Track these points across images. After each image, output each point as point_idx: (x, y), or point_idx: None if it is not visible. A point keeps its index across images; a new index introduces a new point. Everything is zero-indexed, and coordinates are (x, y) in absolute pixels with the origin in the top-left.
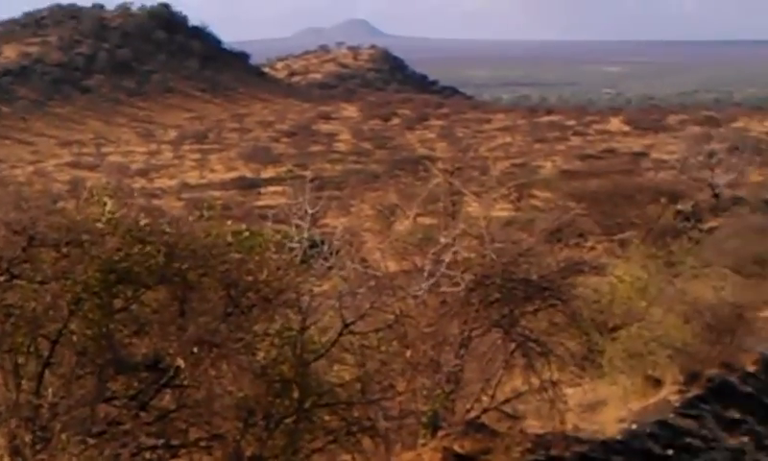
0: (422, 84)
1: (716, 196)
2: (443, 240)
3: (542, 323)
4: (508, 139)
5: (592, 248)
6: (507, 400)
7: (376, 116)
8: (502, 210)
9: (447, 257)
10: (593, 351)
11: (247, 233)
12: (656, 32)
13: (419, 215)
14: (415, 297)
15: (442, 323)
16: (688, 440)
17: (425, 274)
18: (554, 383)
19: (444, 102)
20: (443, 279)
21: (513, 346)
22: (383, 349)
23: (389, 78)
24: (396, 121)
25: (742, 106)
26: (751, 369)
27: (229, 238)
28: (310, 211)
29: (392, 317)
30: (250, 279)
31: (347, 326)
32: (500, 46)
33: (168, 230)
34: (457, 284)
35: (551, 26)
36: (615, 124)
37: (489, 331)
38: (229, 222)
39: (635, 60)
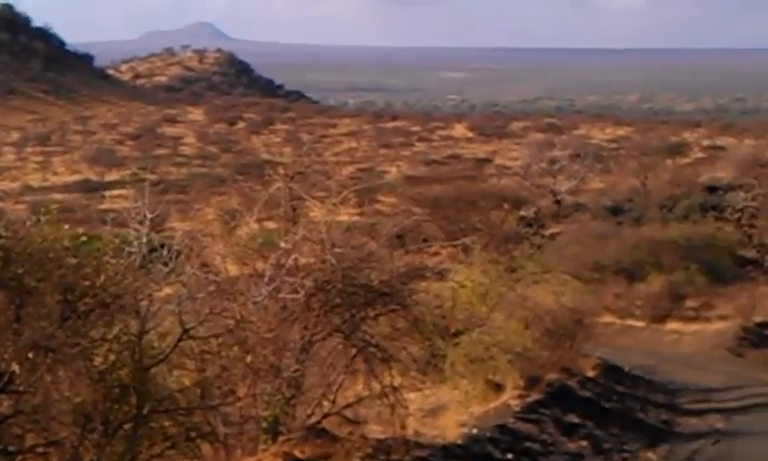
0: (269, 88)
1: (558, 202)
2: (283, 245)
3: (385, 328)
4: (353, 144)
5: (436, 253)
6: (348, 405)
7: (222, 120)
8: (346, 215)
9: (288, 262)
10: (435, 356)
11: (84, 238)
12: (498, 39)
13: (262, 220)
14: (255, 302)
15: (282, 328)
16: (528, 444)
17: (266, 279)
18: (395, 388)
19: (289, 106)
20: (283, 284)
21: (354, 351)
22: (223, 354)
23: (235, 82)
24: (241, 125)
25: (583, 113)
26: (590, 374)
27: (66, 242)
28: (149, 215)
29: (232, 322)
30: (87, 283)
31: (186, 331)
32: (346, 52)
33: (4, 233)
34: (297, 291)
35: (396, 33)
36: (460, 130)
37: (330, 336)
38: (67, 226)
39: (478, 67)
